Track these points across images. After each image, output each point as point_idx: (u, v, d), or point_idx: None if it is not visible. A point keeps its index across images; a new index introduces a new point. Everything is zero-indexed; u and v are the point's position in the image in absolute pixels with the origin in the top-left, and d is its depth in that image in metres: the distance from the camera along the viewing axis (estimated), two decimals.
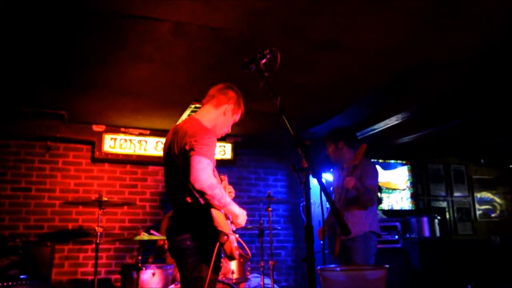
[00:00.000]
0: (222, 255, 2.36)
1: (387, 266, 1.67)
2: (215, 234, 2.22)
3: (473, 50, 3.49)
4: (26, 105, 4.65)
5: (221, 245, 2.22)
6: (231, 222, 2.47)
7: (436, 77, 4.03)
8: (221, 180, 2.71)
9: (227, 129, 2.75)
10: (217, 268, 2.34)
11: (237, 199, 6.22)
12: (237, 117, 2.74)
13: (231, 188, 2.80)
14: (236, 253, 2.32)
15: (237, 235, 2.46)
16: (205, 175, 2.20)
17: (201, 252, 2.28)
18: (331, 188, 4.05)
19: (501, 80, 4.17)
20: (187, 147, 2.30)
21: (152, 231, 4.08)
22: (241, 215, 2.47)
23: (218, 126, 2.66)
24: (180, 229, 2.36)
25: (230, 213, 2.42)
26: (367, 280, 1.59)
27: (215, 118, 2.62)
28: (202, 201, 2.30)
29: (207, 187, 2.19)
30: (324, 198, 1.77)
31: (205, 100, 2.69)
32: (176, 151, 2.39)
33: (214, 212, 2.26)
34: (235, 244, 2.37)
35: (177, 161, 2.38)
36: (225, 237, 2.21)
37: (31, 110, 4.73)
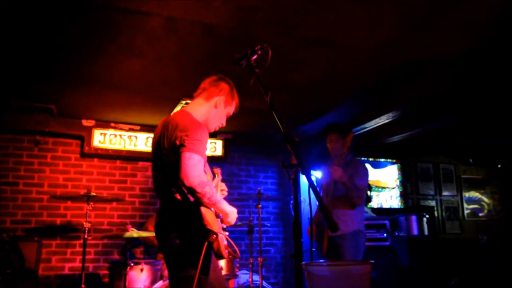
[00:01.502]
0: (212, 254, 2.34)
1: (372, 261, 1.68)
2: (204, 233, 2.18)
3: (463, 50, 3.52)
4: (14, 98, 4.59)
5: (210, 244, 2.18)
6: (221, 221, 2.45)
7: (426, 77, 4.06)
8: (214, 174, 2.67)
9: (220, 123, 2.63)
10: (207, 267, 2.30)
11: (228, 196, 6.18)
12: (230, 110, 2.64)
13: (223, 186, 2.74)
14: (226, 252, 2.30)
15: (226, 233, 2.44)
16: (195, 172, 2.14)
17: (190, 251, 2.22)
18: (320, 185, 4.06)
19: (490, 80, 4.21)
20: (178, 142, 2.22)
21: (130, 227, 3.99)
22: (231, 214, 2.41)
23: (211, 119, 2.55)
24: (169, 227, 2.30)
25: (221, 212, 2.38)
26: (351, 275, 1.60)
27: (206, 111, 2.52)
28: (191, 199, 2.25)
29: (197, 184, 2.13)
30: (312, 195, 1.77)
31: (196, 93, 2.60)
32: (166, 145, 2.31)
33: (203, 210, 2.21)
34: (225, 242, 2.35)
35: (166, 155, 2.31)
36: (214, 236, 2.17)
37: (20, 103, 4.67)
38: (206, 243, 2.17)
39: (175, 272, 2.28)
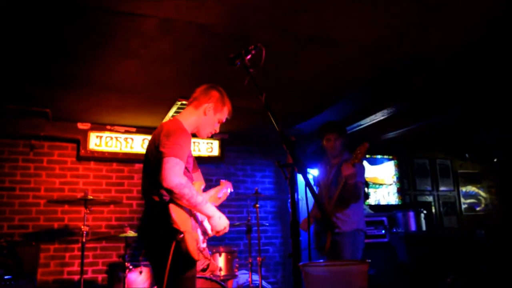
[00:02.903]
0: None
1: (369, 260, 1.69)
2: (172, 232, 2.17)
3: (458, 45, 3.53)
4: (9, 102, 4.57)
5: (178, 243, 2.16)
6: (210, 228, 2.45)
7: (421, 73, 4.07)
8: (203, 183, 2.66)
9: (212, 129, 2.67)
10: (187, 266, 2.27)
11: None
12: (222, 116, 2.68)
13: (222, 194, 2.78)
14: (198, 253, 2.26)
15: (209, 233, 2.43)
16: (173, 174, 2.17)
17: (163, 251, 2.21)
18: (317, 183, 4.06)
19: (484, 76, 4.23)
20: (159, 147, 2.28)
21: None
22: (216, 218, 2.40)
23: (201, 127, 2.61)
24: (146, 229, 2.36)
25: (203, 214, 2.38)
26: (348, 274, 1.60)
27: (196, 119, 2.58)
28: (167, 200, 2.27)
29: (175, 185, 2.15)
30: (309, 194, 1.77)
31: (188, 102, 2.67)
32: (150, 149, 2.40)
33: (172, 209, 2.21)
34: (201, 244, 2.33)
35: (150, 158, 2.39)
36: (181, 235, 2.16)
37: (14, 108, 4.65)
38: (174, 242, 2.16)
39: (158, 273, 2.30)
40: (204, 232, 2.44)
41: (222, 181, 2.90)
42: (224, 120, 2.72)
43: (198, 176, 2.66)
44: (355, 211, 3.64)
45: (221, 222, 2.43)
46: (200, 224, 2.43)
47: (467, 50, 3.62)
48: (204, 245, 2.39)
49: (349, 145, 3.82)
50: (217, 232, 2.44)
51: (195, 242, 2.26)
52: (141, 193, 2.51)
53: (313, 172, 5.47)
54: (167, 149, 2.23)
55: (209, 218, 2.40)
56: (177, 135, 2.31)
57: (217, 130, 2.71)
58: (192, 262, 2.29)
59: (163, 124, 2.45)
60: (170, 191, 2.18)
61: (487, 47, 3.59)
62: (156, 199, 2.32)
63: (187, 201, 2.21)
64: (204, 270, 2.45)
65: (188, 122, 2.53)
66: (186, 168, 2.37)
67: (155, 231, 2.30)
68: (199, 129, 2.61)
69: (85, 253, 4.12)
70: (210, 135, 2.70)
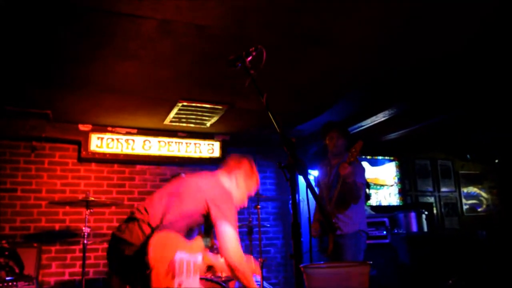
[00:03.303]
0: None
1: (370, 262, 1.68)
2: (142, 264, 2.13)
3: (460, 46, 3.53)
4: (9, 104, 4.57)
5: (145, 279, 2.11)
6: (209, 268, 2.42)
7: (422, 73, 4.06)
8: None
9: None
10: None
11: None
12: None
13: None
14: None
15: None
16: (236, 249, 2.30)
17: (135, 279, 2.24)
18: (317, 184, 4.05)
19: (486, 77, 4.22)
20: (214, 206, 2.33)
21: None
22: None
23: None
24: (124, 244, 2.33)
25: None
26: (350, 276, 1.60)
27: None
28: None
29: (237, 262, 2.29)
30: (310, 195, 1.77)
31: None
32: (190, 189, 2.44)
33: (153, 242, 2.17)
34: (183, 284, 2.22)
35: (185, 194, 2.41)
36: (148, 271, 2.10)
37: (15, 109, 4.65)
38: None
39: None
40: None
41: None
42: (253, 194, 2.78)
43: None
44: (357, 212, 3.64)
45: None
46: (184, 278, 2.30)
47: (468, 50, 3.62)
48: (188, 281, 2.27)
49: (350, 147, 3.81)
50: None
51: (164, 285, 2.15)
52: (145, 206, 2.42)
53: (314, 173, 5.46)
54: (227, 219, 2.30)
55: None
56: (232, 204, 2.40)
57: (246, 205, 2.75)
58: None
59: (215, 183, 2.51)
60: (232, 266, 2.28)
61: (487, 47, 3.59)
62: (151, 225, 2.28)
63: (243, 275, 2.33)
64: (208, 269, 2.43)
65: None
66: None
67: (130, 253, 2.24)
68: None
69: (87, 254, 4.13)
70: (239, 208, 2.66)
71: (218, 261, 2.68)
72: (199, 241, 2.50)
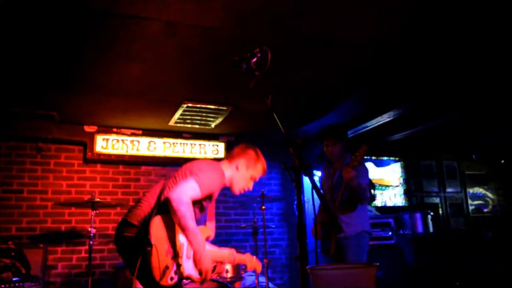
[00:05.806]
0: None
1: (377, 264, 1.68)
2: (143, 241, 2.16)
3: (466, 45, 3.51)
4: (16, 106, 4.60)
5: (145, 254, 2.13)
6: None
7: (427, 74, 4.05)
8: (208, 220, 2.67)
9: (245, 185, 2.69)
10: (150, 280, 2.18)
11: (231, 198, 6.15)
12: (255, 173, 2.70)
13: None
14: (166, 278, 2.17)
15: (194, 277, 2.34)
16: (184, 193, 2.23)
17: (134, 261, 2.22)
18: (321, 186, 4.03)
19: (489, 78, 4.20)
20: (189, 171, 2.41)
21: None
22: (202, 257, 2.20)
23: (234, 181, 2.67)
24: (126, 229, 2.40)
25: (189, 242, 2.25)
26: (357, 278, 1.60)
27: (230, 173, 2.65)
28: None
29: (176, 198, 2.19)
30: (316, 196, 1.77)
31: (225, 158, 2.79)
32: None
33: (154, 222, 2.22)
34: (172, 273, 2.22)
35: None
36: (149, 248, 2.12)
37: (21, 111, 4.69)
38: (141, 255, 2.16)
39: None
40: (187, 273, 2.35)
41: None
42: (257, 178, 2.74)
43: (211, 225, 2.67)
44: (359, 214, 3.62)
45: (207, 262, 2.23)
46: (184, 260, 2.35)
47: (469, 50, 3.60)
48: (176, 279, 2.26)
49: (354, 148, 3.79)
50: (201, 270, 2.23)
51: (164, 264, 2.19)
52: (146, 192, 2.55)
53: (318, 174, 5.45)
54: (195, 175, 2.33)
55: (194, 252, 2.24)
56: (211, 171, 2.43)
57: (250, 188, 2.72)
58: (154, 281, 2.16)
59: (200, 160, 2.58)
60: (169, 201, 2.19)
61: (487, 48, 3.57)
62: (152, 205, 2.37)
63: (179, 218, 2.18)
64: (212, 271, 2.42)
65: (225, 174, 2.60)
66: (201, 204, 2.44)
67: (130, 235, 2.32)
68: (232, 182, 2.67)
69: (92, 255, 4.14)
70: (243, 191, 2.71)
71: (222, 252, 2.71)
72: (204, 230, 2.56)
